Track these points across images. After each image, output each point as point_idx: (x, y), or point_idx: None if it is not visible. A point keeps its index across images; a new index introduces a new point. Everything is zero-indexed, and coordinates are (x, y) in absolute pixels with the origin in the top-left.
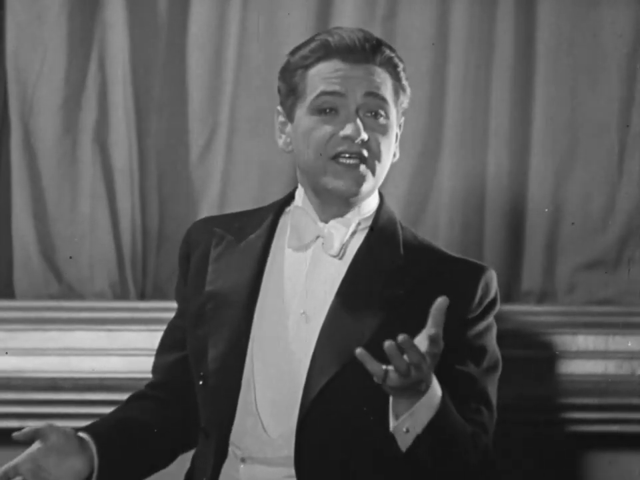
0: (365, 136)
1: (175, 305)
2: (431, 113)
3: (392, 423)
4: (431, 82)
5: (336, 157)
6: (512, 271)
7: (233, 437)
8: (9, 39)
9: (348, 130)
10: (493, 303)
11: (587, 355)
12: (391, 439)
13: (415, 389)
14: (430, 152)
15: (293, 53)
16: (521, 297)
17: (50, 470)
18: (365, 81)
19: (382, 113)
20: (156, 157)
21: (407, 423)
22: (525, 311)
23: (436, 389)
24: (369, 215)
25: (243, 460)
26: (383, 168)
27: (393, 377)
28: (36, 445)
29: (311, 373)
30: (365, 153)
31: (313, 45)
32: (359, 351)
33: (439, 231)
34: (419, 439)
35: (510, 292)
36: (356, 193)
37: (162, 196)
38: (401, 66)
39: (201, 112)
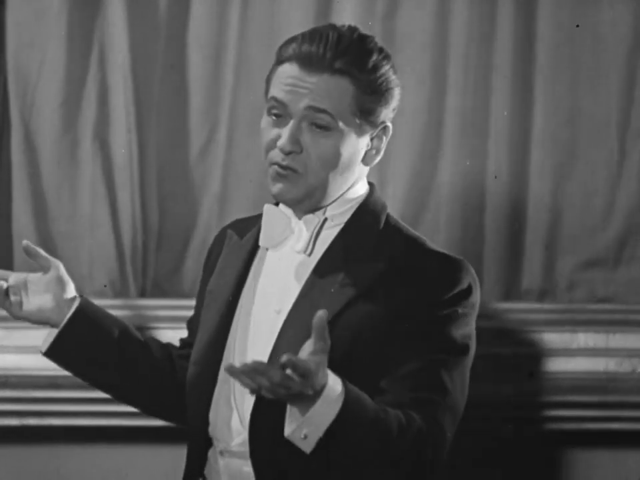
0: (295, 148)
1: (174, 302)
2: (431, 113)
3: (286, 429)
4: (431, 81)
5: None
6: (512, 269)
7: (214, 429)
8: (9, 38)
9: (280, 142)
10: (462, 293)
11: (588, 353)
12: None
13: (301, 398)
14: (430, 151)
15: (280, 46)
16: (521, 294)
17: (32, 290)
18: (312, 94)
19: (327, 126)
20: (156, 155)
21: (305, 429)
22: (525, 309)
23: (333, 390)
24: (348, 208)
25: (221, 453)
26: (328, 180)
27: (265, 392)
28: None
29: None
30: (296, 166)
31: (290, 45)
32: (227, 366)
33: (439, 229)
34: (321, 442)
35: (510, 290)
36: (293, 201)
37: (162, 194)
38: (378, 73)
39: (200, 110)
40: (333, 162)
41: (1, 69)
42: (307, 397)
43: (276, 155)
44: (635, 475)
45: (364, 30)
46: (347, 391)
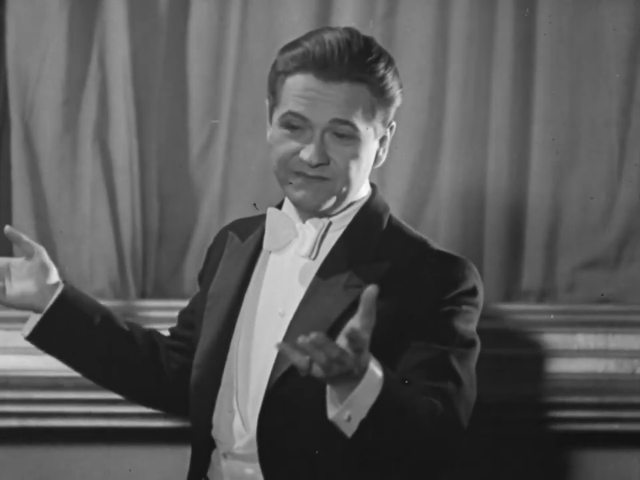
0: (323, 160)
1: (175, 303)
2: (431, 113)
3: (330, 412)
4: (431, 81)
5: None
6: (512, 269)
7: (217, 432)
8: (9, 38)
9: (305, 155)
10: (468, 292)
11: (588, 354)
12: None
13: (347, 377)
14: (430, 151)
15: (281, 51)
16: (521, 295)
17: (15, 276)
18: (333, 106)
19: (349, 135)
20: (156, 155)
21: (348, 411)
22: (525, 310)
23: (375, 372)
24: (351, 210)
25: (224, 455)
26: (351, 185)
27: (317, 369)
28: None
29: (274, 368)
30: (326, 174)
31: (296, 51)
32: (279, 344)
33: (439, 229)
34: (363, 424)
35: (510, 290)
36: (316, 207)
37: (162, 195)
38: (388, 77)
39: (201, 111)
40: (356, 168)
41: (1, 69)
42: (353, 376)
43: (300, 166)
44: (635, 476)
45: (363, 30)
46: (385, 372)
